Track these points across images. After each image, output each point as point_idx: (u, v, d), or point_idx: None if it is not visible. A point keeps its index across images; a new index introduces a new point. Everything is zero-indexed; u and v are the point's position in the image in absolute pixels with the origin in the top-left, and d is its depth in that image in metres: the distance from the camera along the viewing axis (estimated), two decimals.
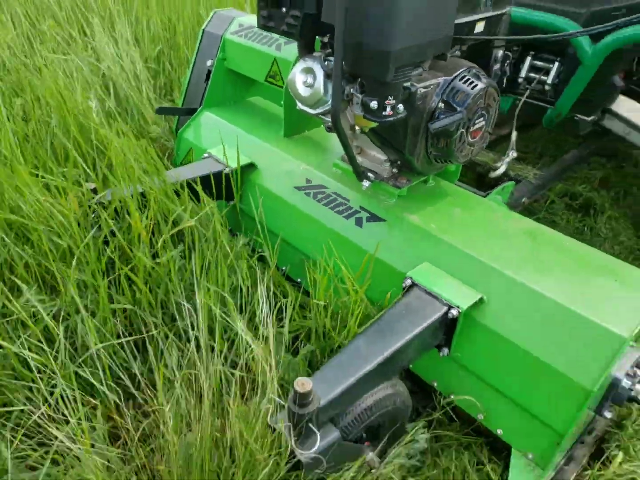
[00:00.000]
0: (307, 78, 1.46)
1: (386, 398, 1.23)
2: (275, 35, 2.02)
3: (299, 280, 1.77)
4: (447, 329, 1.35)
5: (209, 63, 2.24)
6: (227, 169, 1.84)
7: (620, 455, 1.38)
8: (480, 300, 1.34)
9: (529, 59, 2.30)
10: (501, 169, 2.23)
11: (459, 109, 1.43)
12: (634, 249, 2.33)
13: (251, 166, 1.91)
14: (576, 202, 2.59)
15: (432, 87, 1.43)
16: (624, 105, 2.35)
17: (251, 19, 2.21)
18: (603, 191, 2.69)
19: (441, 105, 1.44)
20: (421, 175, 1.69)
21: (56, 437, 1.05)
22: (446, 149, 1.51)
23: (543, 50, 2.26)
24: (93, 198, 1.49)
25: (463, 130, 1.48)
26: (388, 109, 1.33)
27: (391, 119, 1.35)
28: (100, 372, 1.22)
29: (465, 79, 1.45)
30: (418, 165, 1.59)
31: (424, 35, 1.26)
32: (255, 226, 1.75)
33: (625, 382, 1.27)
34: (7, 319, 1.26)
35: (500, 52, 1.70)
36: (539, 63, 2.28)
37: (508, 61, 1.72)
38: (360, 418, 1.18)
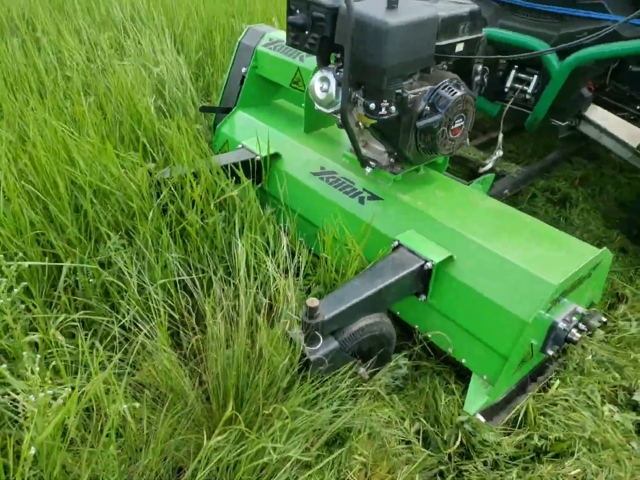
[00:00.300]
0: (323, 85, 1.89)
1: (374, 324, 1.65)
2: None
3: (311, 248, 2.20)
4: (423, 278, 1.76)
5: (243, 70, 2.68)
6: (258, 157, 2.27)
7: (558, 382, 1.78)
8: (450, 257, 1.75)
9: (513, 72, 2.70)
10: (488, 165, 2.63)
11: (440, 111, 1.84)
12: (600, 237, 2.70)
13: (277, 155, 2.34)
14: (555, 197, 2.97)
15: (420, 93, 1.85)
16: (596, 113, 2.73)
17: (279, 34, 2.65)
18: (581, 188, 3.07)
19: (427, 108, 1.86)
20: (413, 165, 2.10)
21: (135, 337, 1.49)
22: (431, 142, 1.92)
23: (525, 65, 2.65)
24: (156, 174, 1.94)
25: (444, 128, 1.89)
26: (383, 110, 1.75)
27: (385, 117, 1.77)
28: (161, 301, 1.66)
29: (447, 88, 1.86)
30: (410, 155, 2.01)
31: (409, 55, 1.68)
32: (278, 204, 2.18)
33: (561, 325, 1.67)
34: (97, 258, 1.70)
35: (479, 67, 2.10)
36: (521, 75, 2.68)
37: (486, 74, 2.12)
38: (354, 336, 1.60)
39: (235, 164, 2.20)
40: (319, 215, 2.14)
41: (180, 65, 2.84)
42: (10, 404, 1.19)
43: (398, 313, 1.95)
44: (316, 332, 1.49)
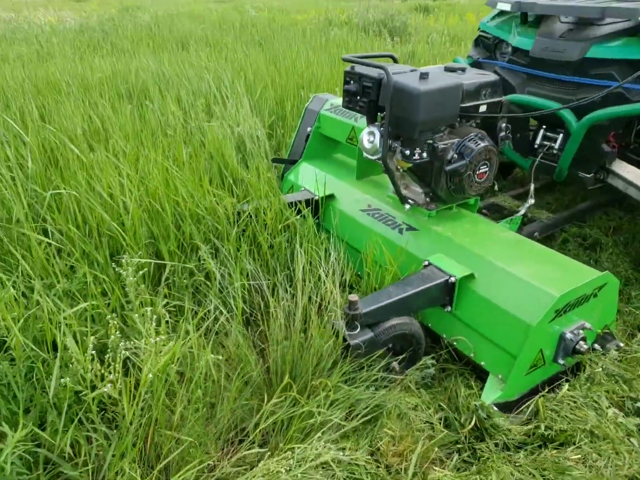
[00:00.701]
0: (370, 137, 2.38)
1: (404, 324, 2.02)
2: (353, 112, 3.00)
3: (357, 272, 2.61)
4: (448, 291, 2.12)
5: (308, 129, 3.26)
6: (316, 197, 2.78)
7: (567, 385, 2.03)
8: (471, 275, 2.11)
9: (542, 131, 3.10)
10: (522, 212, 3.00)
11: (466, 158, 2.28)
12: (628, 277, 2.93)
13: (331, 196, 2.84)
14: (586, 242, 3.24)
15: (449, 144, 2.30)
16: (622, 167, 3.04)
17: (339, 100, 3.22)
18: (614, 236, 3.31)
19: (455, 156, 2.30)
20: (446, 204, 2.52)
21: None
22: (459, 184, 2.34)
23: (552, 125, 3.05)
24: (237, 205, 2.47)
25: (470, 172, 2.32)
26: (416, 155, 2.21)
27: (418, 161, 2.22)
28: (239, 297, 2.12)
29: (472, 140, 2.30)
30: (442, 195, 2.43)
31: (436, 113, 2.15)
32: (330, 235, 2.64)
33: (569, 335, 1.97)
34: (192, 264, 2.22)
35: (503, 125, 2.53)
36: (549, 134, 3.07)
37: (508, 130, 2.54)
38: (387, 331, 1.97)
39: (299, 202, 2.71)
40: (365, 243, 2.57)
41: (257, 126, 3.47)
42: (133, 351, 1.66)
43: (429, 325, 2.30)
44: (355, 322, 1.88)
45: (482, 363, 2.09)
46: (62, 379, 1.47)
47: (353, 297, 1.87)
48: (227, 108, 3.74)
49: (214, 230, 2.36)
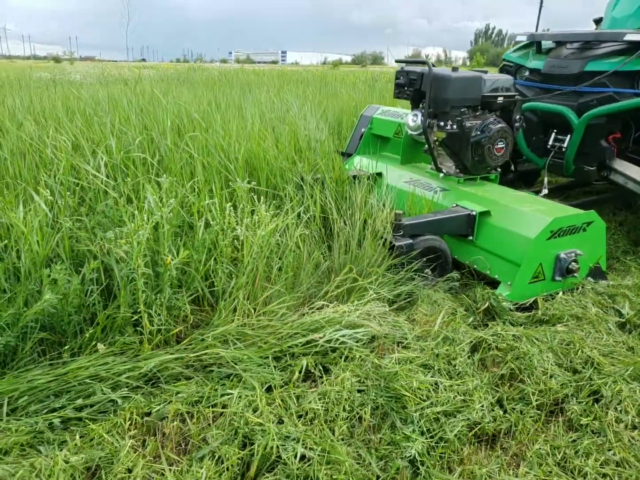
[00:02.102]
0: (414, 118, 3.18)
1: (435, 240, 2.71)
2: (400, 112, 3.83)
3: None
4: (470, 223, 2.80)
5: (362, 130, 4.10)
6: (368, 173, 3.55)
7: (561, 293, 2.64)
8: (488, 211, 2.80)
9: (553, 134, 3.82)
10: (543, 192, 3.66)
11: (487, 133, 3.03)
12: (626, 250, 3.53)
13: (379, 174, 3.60)
14: None
15: (475, 124, 3.07)
16: (622, 165, 3.65)
17: (387, 108, 4.07)
18: (619, 227, 3.92)
19: (479, 132, 3.06)
20: (472, 175, 3.26)
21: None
22: (482, 154, 3.09)
23: (561, 129, 3.77)
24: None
25: (490, 145, 3.07)
26: (448, 126, 2.99)
27: (449, 131, 2.99)
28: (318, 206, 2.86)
29: (492, 122, 3.08)
30: (469, 165, 3.18)
31: (463, 95, 2.95)
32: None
33: (563, 256, 2.61)
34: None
35: (517, 116, 3.29)
36: (559, 137, 3.78)
37: (522, 120, 3.30)
38: (422, 242, 2.66)
39: (355, 176, 3.48)
40: (406, 203, 3.28)
41: (323, 130, 4.33)
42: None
43: (456, 257, 2.97)
44: (399, 230, 2.59)
45: (496, 276, 2.73)
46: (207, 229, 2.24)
47: (398, 211, 2.59)
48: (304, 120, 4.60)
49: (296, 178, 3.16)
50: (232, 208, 2.38)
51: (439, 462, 1.60)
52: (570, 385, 1.93)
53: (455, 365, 2.01)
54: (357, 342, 2.10)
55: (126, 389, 1.77)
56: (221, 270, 2.26)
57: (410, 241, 2.64)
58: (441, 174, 3.27)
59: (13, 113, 4.17)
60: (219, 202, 2.46)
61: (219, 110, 4.58)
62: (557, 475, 1.58)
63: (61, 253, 2.13)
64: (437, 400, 1.79)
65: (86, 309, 2.03)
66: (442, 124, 3.01)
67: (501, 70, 4.40)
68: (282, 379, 1.91)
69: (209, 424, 1.66)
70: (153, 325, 2.01)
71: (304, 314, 2.26)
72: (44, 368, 1.79)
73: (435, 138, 3.17)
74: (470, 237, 2.85)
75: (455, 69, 2.99)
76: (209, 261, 2.27)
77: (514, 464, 1.67)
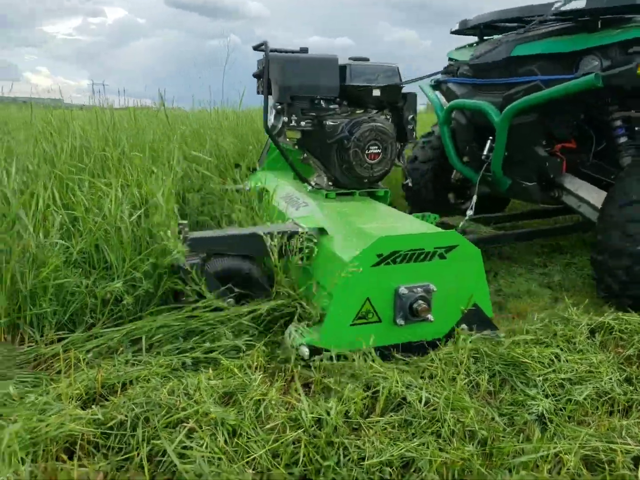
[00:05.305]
0: (271, 117, 2.47)
1: (236, 261, 2.06)
2: None
3: None
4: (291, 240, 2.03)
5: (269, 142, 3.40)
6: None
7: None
8: (322, 228, 2.11)
9: (489, 142, 2.92)
10: (461, 225, 2.93)
11: (353, 134, 2.38)
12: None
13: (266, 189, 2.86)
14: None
15: (341, 122, 2.42)
16: (574, 183, 2.89)
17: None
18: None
19: (344, 133, 2.37)
20: (347, 189, 2.56)
21: None
22: (347, 159, 2.39)
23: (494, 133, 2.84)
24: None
25: (357, 149, 2.38)
26: (293, 122, 2.34)
27: (302, 128, 2.37)
28: None
29: (362, 121, 2.40)
30: (339, 177, 2.49)
31: (307, 82, 2.34)
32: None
33: (403, 291, 1.78)
34: None
35: (409, 116, 2.66)
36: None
37: (414, 122, 2.68)
38: (217, 263, 2.02)
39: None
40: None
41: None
42: None
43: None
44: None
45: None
46: None
47: (183, 222, 2.07)
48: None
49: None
50: None
51: (568, 421, 1.53)
52: None
53: (575, 344, 1.93)
54: None
55: (246, 335, 1.86)
56: None
57: (197, 261, 1.93)
58: (309, 187, 2.63)
59: None
60: None
61: None
62: None
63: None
64: (560, 369, 1.73)
65: None
66: (286, 119, 2.35)
67: (444, 70, 3.46)
68: None
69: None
70: None
71: None
72: (172, 313, 1.92)
73: (288, 139, 2.55)
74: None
75: (304, 50, 2.42)
76: None
77: None
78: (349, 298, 1.75)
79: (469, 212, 2.84)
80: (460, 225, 2.88)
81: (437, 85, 3.43)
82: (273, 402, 1.43)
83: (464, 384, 1.66)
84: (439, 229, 2.00)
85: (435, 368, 1.71)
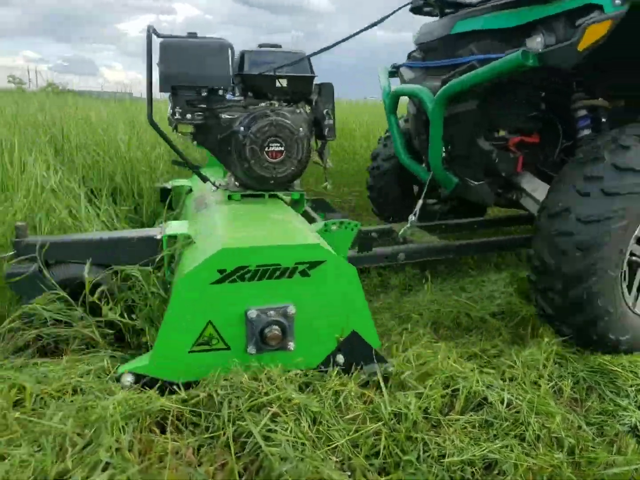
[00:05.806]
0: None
1: (82, 269, 1.73)
2: None
3: None
4: (152, 251, 1.77)
5: None
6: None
7: None
8: (188, 235, 1.77)
9: None
10: (401, 232, 2.59)
11: (247, 128, 2.04)
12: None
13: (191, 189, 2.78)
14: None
15: (239, 115, 2.10)
16: (532, 184, 2.47)
17: None
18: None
19: (240, 128, 2.04)
20: (255, 190, 2.18)
21: None
22: (245, 157, 2.05)
23: None
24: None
25: (254, 146, 2.04)
26: (177, 115, 2.04)
27: (194, 122, 2.07)
28: None
29: (262, 114, 2.06)
30: (241, 176, 2.15)
31: (191, 70, 2.00)
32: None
33: (252, 315, 1.49)
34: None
35: (325, 109, 2.32)
36: None
37: (331, 116, 2.33)
38: (60, 272, 1.76)
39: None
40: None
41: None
42: None
43: None
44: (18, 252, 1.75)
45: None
46: None
47: (21, 223, 1.80)
48: None
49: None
50: None
51: None
52: None
53: None
54: None
55: None
56: None
57: (34, 268, 1.70)
58: (213, 187, 2.27)
59: None
60: None
61: None
62: None
63: None
64: None
65: None
66: (176, 113, 2.08)
67: (408, 55, 3.05)
68: None
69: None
70: None
71: None
72: None
73: (181, 133, 2.25)
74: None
75: (192, 34, 2.08)
76: None
77: None
78: (184, 320, 1.47)
79: (411, 218, 2.46)
80: (400, 233, 2.56)
81: (395, 72, 3.05)
82: (353, 393, 1.44)
83: (546, 384, 1.60)
84: (309, 242, 1.59)
85: (516, 370, 1.66)
